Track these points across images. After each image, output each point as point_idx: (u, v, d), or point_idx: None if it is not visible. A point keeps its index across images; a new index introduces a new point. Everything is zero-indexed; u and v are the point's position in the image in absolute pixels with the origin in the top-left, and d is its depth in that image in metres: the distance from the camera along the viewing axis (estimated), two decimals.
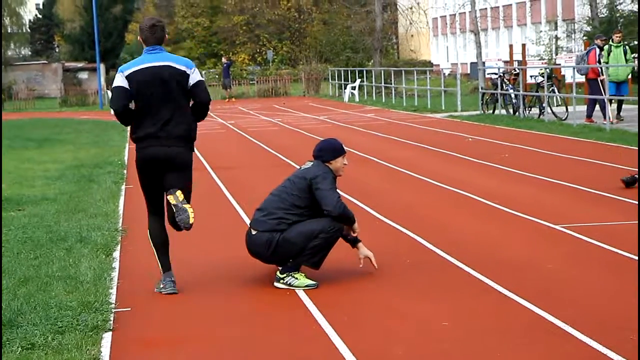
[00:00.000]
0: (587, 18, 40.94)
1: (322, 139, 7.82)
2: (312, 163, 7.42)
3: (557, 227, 9.21)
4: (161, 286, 7.19)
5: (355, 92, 40.05)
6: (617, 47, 21.55)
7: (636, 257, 7.69)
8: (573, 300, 6.48)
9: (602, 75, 20.92)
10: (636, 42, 31.11)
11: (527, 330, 5.82)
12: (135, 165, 7.22)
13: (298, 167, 7.62)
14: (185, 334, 6.11)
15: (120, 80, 6.97)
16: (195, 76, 7.04)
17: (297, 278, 7.15)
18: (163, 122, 6.99)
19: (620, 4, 39.42)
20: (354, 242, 7.53)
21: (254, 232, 7.26)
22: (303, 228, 7.12)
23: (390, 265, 7.84)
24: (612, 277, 7.13)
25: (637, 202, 10.40)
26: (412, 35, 61.18)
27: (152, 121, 6.99)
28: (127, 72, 6.98)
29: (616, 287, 6.81)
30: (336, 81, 45.26)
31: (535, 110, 24.61)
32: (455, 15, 52.96)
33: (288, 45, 71.24)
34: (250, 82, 52.55)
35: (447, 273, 7.50)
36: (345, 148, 7.59)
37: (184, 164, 7.13)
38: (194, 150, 7.27)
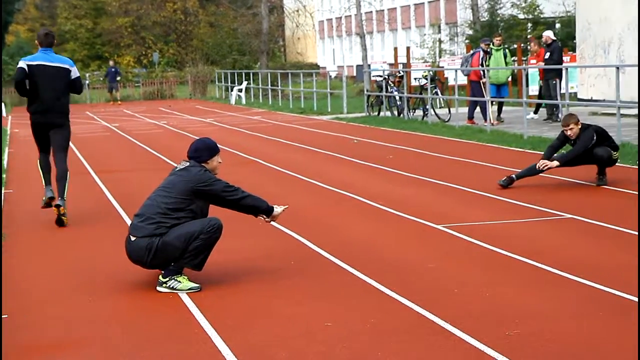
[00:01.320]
0: (469, 22, 41.82)
1: (197, 138, 7.80)
2: (187, 163, 7.39)
3: (439, 227, 9.37)
4: (44, 198, 10.42)
5: (242, 94, 39.99)
6: (497, 50, 22.06)
7: (513, 255, 7.88)
8: (453, 298, 6.59)
9: (484, 78, 21.37)
10: (515, 46, 31.89)
11: (409, 329, 5.90)
12: (31, 128, 10.60)
13: (174, 166, 7.58)
14: (65, 340, 5.99)
15: (22, 64, 10.28)
16: (74, 73, 10.50)
17: (179, 281, 7.10)
18: (49, 101, 10.33)
19: (500, 8, 40.37)
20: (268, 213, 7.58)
21: (133, 239, 7.17)
22: (182, 230, 7.07)
23: (275, 268, 7.84)
24: (490, 275, 7.28)
25: (515, 202, 10.66)
26: (298, 38, 61.48)
27: (41, 100, 10.33)
28: (27, 62, 10.29)
29: (493, 284, 6.95)
30: (223, 83, 45.14)
31: (419, 112, 25.00)
32: (341, 18, 53.46)
33: (174, 48, 70.69)
34: (136, 84, 51.96)
35: (331, 274, 7.55)
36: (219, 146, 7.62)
37: (63, 126, 10.50)
38: (69, 118, 10.59)
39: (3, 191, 13.25)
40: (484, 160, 14.74)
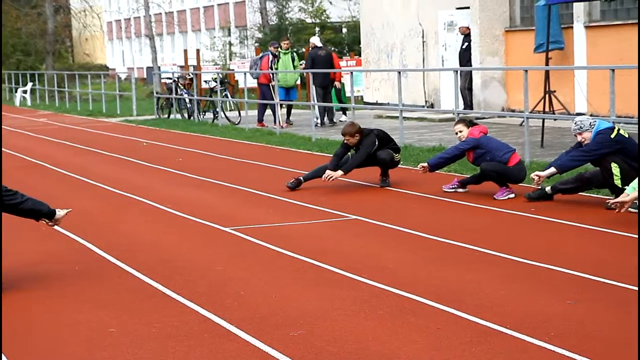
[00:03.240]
0: (259, 25, 42.19)
1: None
2: None
3: (227, 229, 9.39)
4: None
5: (27, 95, 38.77)
6: (285, 53, 22.34)
7: (299, 256, 8.00)
8: (239, 300, 6.62)
9: (274, 81, 21.60)
10: (303, 50, 32.41)
11: (195, 333, 5.88)
12: None
13: None
14: None
15: None
16: None
17: None
18: None
19: (289, 12, 40.94)
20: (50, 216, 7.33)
21: None
22: None
23: (58, 273, 7.65)
24: (276, 276, 7.35)
25: (302, 204, 10.83)
26: (86, 39, 60.15)
27: None
28: None
29: (279, 286, 7.02)
30: (7, 85, 43.64)
31: (209, 115, 24.98)
32: (130, 19, 52.74)
33: None
34: None
35: (117, 279, 7.42)
36: None
37: None
38: None
39: None
40: (273, 163, 14.89)
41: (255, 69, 22.42)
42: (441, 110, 20.96)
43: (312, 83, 21.55)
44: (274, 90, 21.67)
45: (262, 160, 15.39)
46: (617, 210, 8.71)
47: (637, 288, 6.50)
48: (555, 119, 16.99)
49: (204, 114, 25.34)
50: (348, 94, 22.37)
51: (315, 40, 22.69)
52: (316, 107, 21.15)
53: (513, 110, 20.81)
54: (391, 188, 11.80)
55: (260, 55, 23.20)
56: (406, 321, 5.96)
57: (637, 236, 8.25)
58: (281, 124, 21.04)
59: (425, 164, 11.15)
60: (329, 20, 41.52)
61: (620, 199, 8.69)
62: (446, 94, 22.24)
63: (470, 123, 11.17)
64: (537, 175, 10.02)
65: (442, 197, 10.90)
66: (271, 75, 21.71)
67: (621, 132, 9.81)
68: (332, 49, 33.13)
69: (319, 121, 21.41)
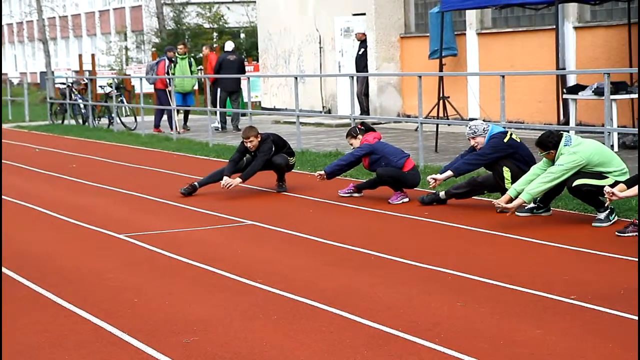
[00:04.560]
0: (155, 30, 41.85)
1: None
2: None
3: (120, 236, 9.29)
4: None
5: None
6: (182, 58, 22.19)
7: (194, 263, 7.96)
8: (132, 308, 6.55)
9: (170, 86, 21.44)
10: (201, 55, 32.24)
11: (86, 341, 5.79)
12: None
13: None
14: None
15: None
16: None
17: None
18: None
19: (186, 17, 40.71)
20: None
21: None
22: None
23: None
24: (170, 283, 7.29)
25: (198, 210, 10.78)
26: None
27: None
28: None
29: (173, 293, 6.97)
30: None
31: (105, 121, 24.65)
32: (22, 23, 51.71)
33: None
34: None
35: (7, 288, 7.25)
36: None
37: None
38: None
39: None
40: (170, 169, 14.78)
41: (152, 74, 22.21)
42: (338, 116, 21.09)
43: (218, 87, 21.48)
44: (170, 96, 21.51)
45: (159, 166, 15.27)
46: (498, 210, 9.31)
47: (524, 289, 6.67)
48: (449, 124, 17.27)
49: (99, 120, 25.00)
50: (245, 100, 22.31)
51: (226, 45, 22.58)
52: (218, 112, 21.14)
53: (408, 116, 21.08)
54: (288, 193, 11.83)
55: (157, 60, 23.00)
56: (300, 325, 5.99)
57: (523, 238, 8.46)
58: (178, 130, 20.90)
59: (322, 172, 11.21)
60: (226, 26, 41.42)
61: (506, 204, 8.99)
62: (343, 100, 22.40)
63: (365, 129, 11.27)
64: (433, 179, 10.20)
65: (337, 202, 10.98)
66: (168, 80, 21.55)
67: (513, 136, 10.05)
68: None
69: (219, 126, 21.35)
